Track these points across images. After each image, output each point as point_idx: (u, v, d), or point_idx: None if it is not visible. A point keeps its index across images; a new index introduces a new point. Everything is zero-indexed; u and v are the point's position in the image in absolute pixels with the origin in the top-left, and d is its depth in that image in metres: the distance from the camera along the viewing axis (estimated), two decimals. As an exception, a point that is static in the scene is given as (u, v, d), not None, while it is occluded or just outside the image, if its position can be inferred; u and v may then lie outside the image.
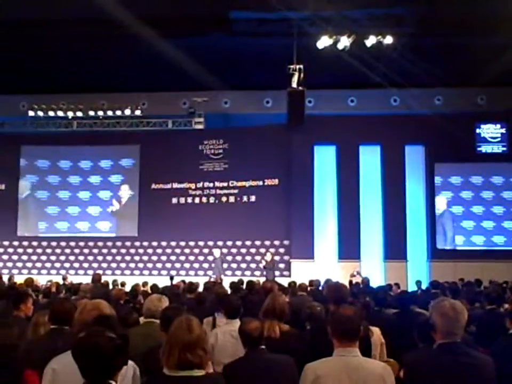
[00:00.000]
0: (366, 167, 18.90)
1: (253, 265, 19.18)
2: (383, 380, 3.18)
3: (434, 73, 16.10)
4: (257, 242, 19.20)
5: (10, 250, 20.39)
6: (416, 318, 5.08)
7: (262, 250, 19.10)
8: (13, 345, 3.18)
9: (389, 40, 15.58)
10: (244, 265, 19.27)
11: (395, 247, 18.27)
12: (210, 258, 19.28)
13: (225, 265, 19.25)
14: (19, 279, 13.86)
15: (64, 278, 14.23)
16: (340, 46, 15.60)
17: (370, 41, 15.61)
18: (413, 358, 3.48)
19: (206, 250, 19.52)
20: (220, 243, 19.38)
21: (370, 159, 18.93)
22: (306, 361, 3.52)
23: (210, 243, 19.46)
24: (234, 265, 19.32)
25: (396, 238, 18.27)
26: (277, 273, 18.51)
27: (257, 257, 19.15)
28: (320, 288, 10.39)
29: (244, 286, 10.17)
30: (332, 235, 18.66)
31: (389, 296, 8.39)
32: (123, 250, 20.06)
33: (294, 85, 16.81)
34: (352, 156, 18.72)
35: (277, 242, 19.11)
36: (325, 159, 19.04)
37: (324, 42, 15.63)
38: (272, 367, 3.74)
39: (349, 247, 18.22)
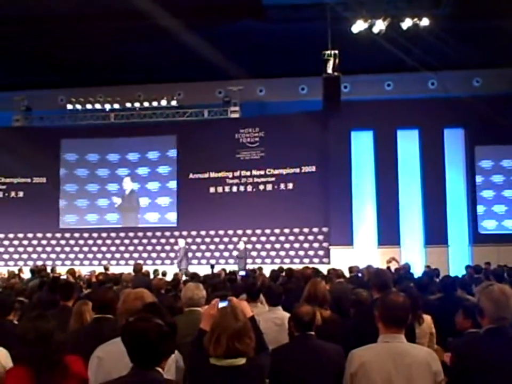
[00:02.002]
0: (404, 151, 18.65)
1: (292, 253, 19.17)
2: (429, 366, 3.14)
3: (472, 55, 15.79)
4: (296, 230, 19.18)
5: (53, 242, 20.79)
6: (461, 303, 5.00)
7: (301, 237, 19.10)
8: (49, 337, 3.22)
9: (425, 22, 15.27)
10: (282, 253, 19.27)
11: (436, 232, 18.02)
12: (248, 246, 19.36)
13: (263, 253, 19.33)
14: (61, 271, 14.15)
15: (106, 269, 14.43)
16: (375, 29, 15.37)
17: (406, 24, 15.32)
18: (462, 343, 3.42)
19: (244, 239, 19.57)
20: (258, 231, 19.44)
21: (408, 143, 18.66)
22: (349, 347, 3.50)
23: (249, 231, 19.53)
24: (273, 253, 19.34)
25: (436, 222, 18.01)
26: (316, 260, 18.52)
27: (296, 245, 19.15)
28: (359, 274, 10.32)
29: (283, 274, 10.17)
30: (371, 221, 18.49)
31: (433, 282, 8.28)
32: (163, 240, 20.26)
33: (329, 70, 16.64)
34: (389, 141, 18.49)
35: (315, 230, 19.06)
36: (362, 144, 18.85)
37: (358, 26, 15.41)
38: (321, 354, 3.72)
39: (389, 232, 18.04)
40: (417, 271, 13.97)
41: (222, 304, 3.39)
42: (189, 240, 20.04)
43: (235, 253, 18.62)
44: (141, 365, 2.52)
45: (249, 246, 19.23)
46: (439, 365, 3.22)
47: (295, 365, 3.69)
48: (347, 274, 10.25)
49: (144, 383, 2.51)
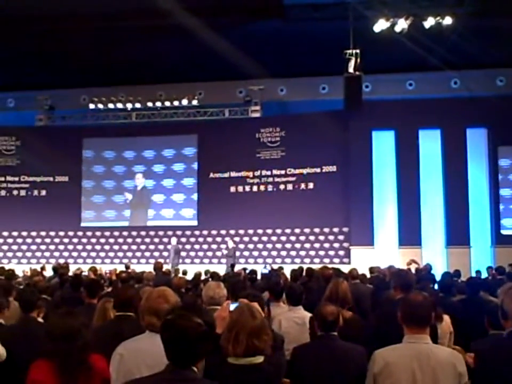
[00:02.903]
0: (426, 151, 18.48)
1: (312, 253, 19.14)
2: (454, 367, 3.11)
3: (496, 54, 15.62)
4: (316, 230, 19.14)
5: (75, 240, 20.97)
6: (485, 305, 4.94)
7: (321, 237, 19.06)
8: (76, 334, 3.25)
9: (448, 21, 15.13)
10: (303, 253, 19.23)
11: (457, 233, 17.85)
12: (269, 246, 19.40)
13: (284, 253, 19.32)
14: (83, 268, 14.24)
15: (127, 267, 14.50)
16: (397, 28, 15.27)
17: (429, 22, 15.20)
18: (484, 345, 3.38)
19: (264, 238, 19.60)
20: (278, 231, 19.44)
21: (430, 143, 18.50)
22: (371, 348, 3.47)
23: (269, 231, 19.54)
24: (293, 253, 19.32)
25: (458, 223, 17.84)
26: (336, 260, 18.46)
27: (316, 245, 19.11)
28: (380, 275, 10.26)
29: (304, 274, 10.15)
30: (392, 221, 18.36)
31: (456, 282, 8.20)
32: (183, 239, 20.34)
33: (351, 70, 16.58)
34: (411, 141, 18.34)
35: (336, 229, 19.00)
36: (383, 144, 18.73)
37: (380, 25, 15.33)
38: (343, 355, 3.69)
39: (410, 233, 17.90)
40: (438, 272, 13.84)
41: (233, 306, 3.39)
42: (209, 239, 20.11)
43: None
44: (178, 363, 2.51)
45: (270, 246, 19.29)
46: (464, 366, 3.18)
47: (317, 364, 3.66)
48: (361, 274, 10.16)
49: (181, 381, 2.49)
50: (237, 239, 19.82)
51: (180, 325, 2.52)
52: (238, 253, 19.31)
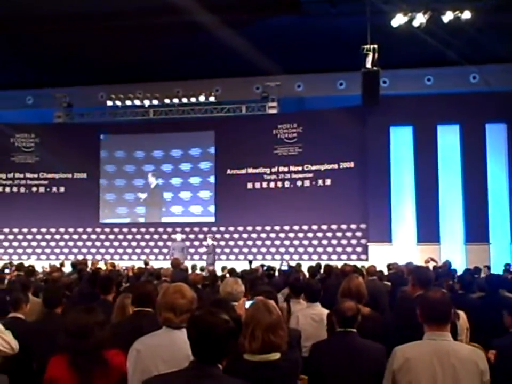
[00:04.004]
0: (444, 147, 18.33)
1: (329, 250, 19.09)
2: (475, 365, 3.06)
3: (515, 49, 15.43)
4: (334, 226, 19.09)
5: (93, 236, 21.12)
6: (504, 302, 4.89)
7: (339, 234, 19.00)
8: (90, 330, 3.26)
9: (467, 15, 14.94)
10: (320, 250, 19.19)
11: (477, 230, 17.68)
12: (286, 242, 19.39)
13: (301, 250, 19.29)
14: (102, 265, 14.36)
15: (146, 263, 14.57)
16: (416, 23, 15.10)
17: (448, 17, 15.02)
18: (505, 342, 3.34)
19: (282, 235, 19.59)
20: (295, 227, 19.42)
21: (449, 139, 18.35)
22: (389, 345, 3.44)
23: (286, 227, 19.53)
24: (310, 250, 19.28)
25: (478, 220, 17.67)
26: (354, 257, 18.41)
27: (334, 242, 19.07)
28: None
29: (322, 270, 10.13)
30: (410, 218, 18.24)
31: (476, 280, 8.12)
32: (200, 236, 20.38)
33: (368, 65, 16.45)
34: (429, 136, 18.20)
35: (353, 226, 18.94)
36: (401, 140, 18.61)
37: (398, 20, 15.18)
38: (362, 352, 3.67)
39: (428, 230, 17.77)
40: (458, 269, 13.73)
41: (249, 303, 3.38)
42: (227, 235, 20.14)
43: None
44: (203, 360, 2.49)
45: (287, 242, 19.29)
46: (485, 363, 3.14)
47: (335, 361, 3.65)
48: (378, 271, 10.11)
49: (206, 377, 2.47)
50: (254, 235, 19.84)
51: (208, 321, 2.50)
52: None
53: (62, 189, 21.23)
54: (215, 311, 2.56)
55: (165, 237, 20.75)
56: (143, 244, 20.87)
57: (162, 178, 21.21)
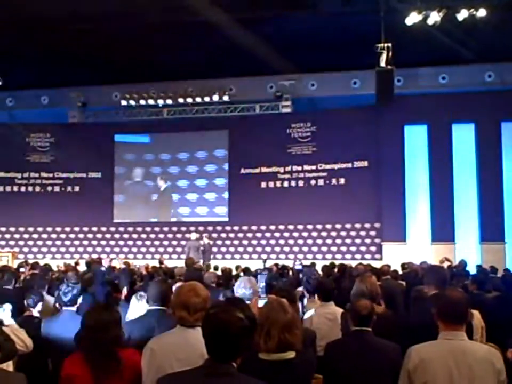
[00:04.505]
0: (459, 145, 18.20)
1: (343, 249, 19.04)
2: (492, 365, 3.04)
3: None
4: (348, 225, 19.04)
5: (108, 235, 21.22)
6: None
7: (353, 233, 18.95)
8: (106, 326, 3.28)
9: (482, 13, 14.82)
10: (334, 249, 19.15)
11: (492, 229, 17.54)
12: (300, 242, 19.37)
13: (315, 249, 19.26)
14: (116, 264, 14.42)
15: (161, 262, 14.62)
16: (430, 21, 15.01)
17: (462, 15, 14.92)
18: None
19: (296, 234, 19.56)
20: (309, 226, 19.39)
21: (464, 137, 18.23)
22: (404, 344, 3.43)
23: (300, 226, 19.51)
24: (324, 249, 19.24)
25: (493, 219, 17.53)
26: (368, 256, 18.35)
27: (348, 241, 19.02)
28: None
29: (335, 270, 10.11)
30: (425, 217, 18.14)
31: (492, 279, 8.07)
32: (214, 235, 20.40)
33: (383, 64, 16.40)
34: (444, 135, 18.09)
35: (367, 225, 18.88)
36: (416, 138, 18.51)
37: (412, 18, 15.09)
38: (378, 351, 3.65)
39: (443, 229, 17.66)
40: (472, 269, 13.64)
41: (262, 302, 3.37)
42: (240, 235, 20.16)
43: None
44: (218, 358, 2.49)
45: (301, 241, 19.28)
46: (502, 362, 3.12)
47: (350, 360, 3.64)
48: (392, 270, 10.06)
49: (221, 375, 2.47)
50: (267, 234, 19.84)
51: (222, 319, 2.50)
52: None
53: (76, 188, 21.34)
54: (230, 309, 2.56)
55: (178, 235, 20.80)
56: (157, 242, 20.94)
57: (174, 179, 21.25)
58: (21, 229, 21.17)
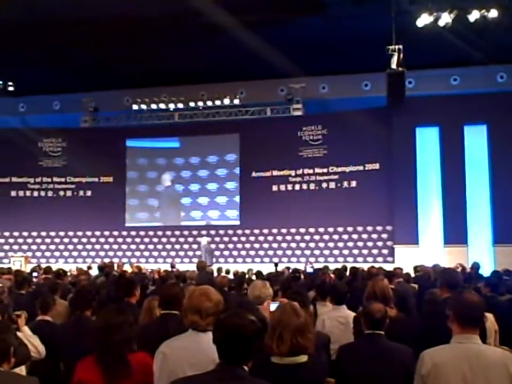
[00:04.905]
0: (471, 147, 18.10)
1: (355, 252, 18.98)
2: (506, 369, 3.00)
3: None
4: (359, 228, 18.98)
5: (120, 240, 21.29)
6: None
7: (365, 236, 18.89)
8: (117, 328, 3.28)
9: (493, 14, 14.74)
10: (346, 252, 19.10)
11: (505, 231, 17.38)
12: (311, 245, 19.34)
13: (326, 252, 19.22)
14: (128, 268, 14.45)
15: (173, 266, 14.62)
16: (441, 23, 14.95)
17: (474, 16, 14.84)
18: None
19: (307, 237, 19.53)
20: (321, 229, 19.35)
21: (476, 139, 18.12)
22: (416, 348, 3.40)
23: (312, 230, 19.47)
24: (336, 252, 19.20)
25: (506, 221, 17.37)
26: (380, 259, 18.29)
27: (360, 244, 18.95)
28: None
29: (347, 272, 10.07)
30: (437, 219, 18.04)
31: (506, 282, 8.00)
32: (226, 238, 20.42)
33: (394, 66, 16.32)
34: (456, 137, 17.99)
35: (379, 228, 18.81)
36: (427, 141, 18.43)
37: (423, 20, 15.04)
38: (391, 355, 3.62)
39: (455, 231, 17.55)
40: (485, 271, 13.54)
41: (274, 306, 3.36)
42: (252, 238, 20.15)
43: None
44: (230, 362, 2.50)
45: (312, 245, 19.26)
46: None
47: (363, 364, 3.61)
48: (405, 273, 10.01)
49: (233, 379, 2.48)
50: (279, 237, 19.82)
51: (235, 323, 2.51)
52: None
53: (88, 193, 21.45)
54: (241, 313, 2.57)
55: (190, 239, 20.83)
56: (168, 246, 20.98)
57: (186, 183, 21.31)
58: (34, 234, 21.29)
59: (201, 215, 21.11)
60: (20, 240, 21.30)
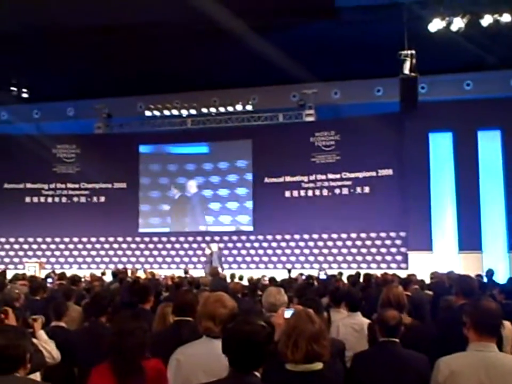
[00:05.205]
0: (485, 153, 17.98)
1: (369, 258, 18.90)
2: (524, 377, 2.98)
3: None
4: (373, 235, 18.90)
5: (133, 245, 21.34)
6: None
7: (378, 242, 18.80)
8: (131, 333, 3.28)
9: (506, 18, 14.66)
10: (359, 258, 19.03)
11: (521, 237, 17.29)
12: (325, 251, 19.30)
13: (340, 258, 19.15)
14: (141, 274, 14.49)
15: (186, 272, 14.64)
16: (454, 27, 14.90)
17: (486, 20, 14.77)
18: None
19: (320, 243, 19.48)
20: (334, 235, 19.30)
21: (490, 144, 18.01)
22: (431, 355, 3.37)
23: (325, 236, 19.42)
24: (349, 258, 19.13)
25: (521, 227, 17.28)
26: (394, 265, 18.20)
27: (373, 250, 18.87)
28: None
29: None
30: (451, 225, 17.92)
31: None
32: (239, 244, 20.42)
33: (406, 71, 16.26)
34: (470, 142, 17.88)
35: (393, 234, 18.72)
36: (440, 146, 18.35)
37: (436, 25, 14.99)
38: (406, 363, 3.59)
39: (470, 238, 17.41)
40: (500, 278, 13.44)
41: (288, 313, 3.34)
42: (265, 244, 20.12)
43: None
44: (242, 369, 2.50)
45: (326, 251, 19.23)
46: None
47: (377, 372, 3.58)
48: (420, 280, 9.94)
49: None
50: (292, 244, 19.78)
51: (248, 330, 2.52)
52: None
53: (102, 199, 21.54)
54: (251, 319, 2.57)
55: (203, 245, 20.84)
56: (181, 252, 21.00)
57: (200, 188, 21.36)
58: (48, 239, 21.40)
59: (213, 220, 21.13)
60: (34, 246, 21.41)
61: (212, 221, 21.13)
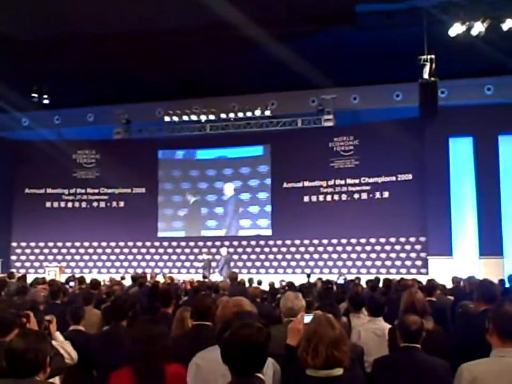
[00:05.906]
0: (506, 157, 17.81)
1: (388, 263, 18.79)
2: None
3: None
4: (392, 239, 18.79)
5: (152, 250, 21.42)
6: None
7: (397, 247, 18.69)
8: (154, 339, 3.29)
9: (527, 22, 14.58)
10: (378, 263, 18.92)
11: (542, 242, 17.07)
12: (344, 256, 19.21)
13: (359, 263, 19.06)
14: (160, 278, 14.52)
15: (205, 277, 14.65)
16: (474, 32, 14.82)
17: (507, 25, 14.68)
18: None
19: (339, 248, 19.40)
20: (353, 240, 19.22)
21: (511, 149, 17.83)
22: (453, 361, 3.34)
23: (344, 241, 19.34)
24: (368, 263, 19.03)
25: (543, 232, 17.07)
26: (413, 270, 18.07)
27: (393, 255, 18.76)
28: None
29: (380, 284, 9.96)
30: (472, 230, 17.75)
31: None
32: (257, 249, 20.40)
33: (426, 76, 16.21)
34: (490, 147, 17.72)
35: (412, 239, 18.59)
36: (461, 151, 18.20)
37: (456, 29, 14.92)
38: (427, 369, 3.55)
39: (491, 243, 17.24)
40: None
41: (308, 318, 3.31)
42: (284, 249, 20.09)
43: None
44: (243, 372, 2.50)
45: (345, 256, 19.16)
46: None
47: (399, 377, 3.54)
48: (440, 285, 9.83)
49: None
50: (311, 248, 19.73)
51: (251, 333, 2.53)
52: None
53: (121, 204, 21.67)
54: (249, 322, 2.58)
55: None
56: (200, 257, 21.02)
57: (215, 193, 21.42)
58: (68, 244, 21.57)
59: (228, 226, 21.19)
60: (55, 251, 21.60)
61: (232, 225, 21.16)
